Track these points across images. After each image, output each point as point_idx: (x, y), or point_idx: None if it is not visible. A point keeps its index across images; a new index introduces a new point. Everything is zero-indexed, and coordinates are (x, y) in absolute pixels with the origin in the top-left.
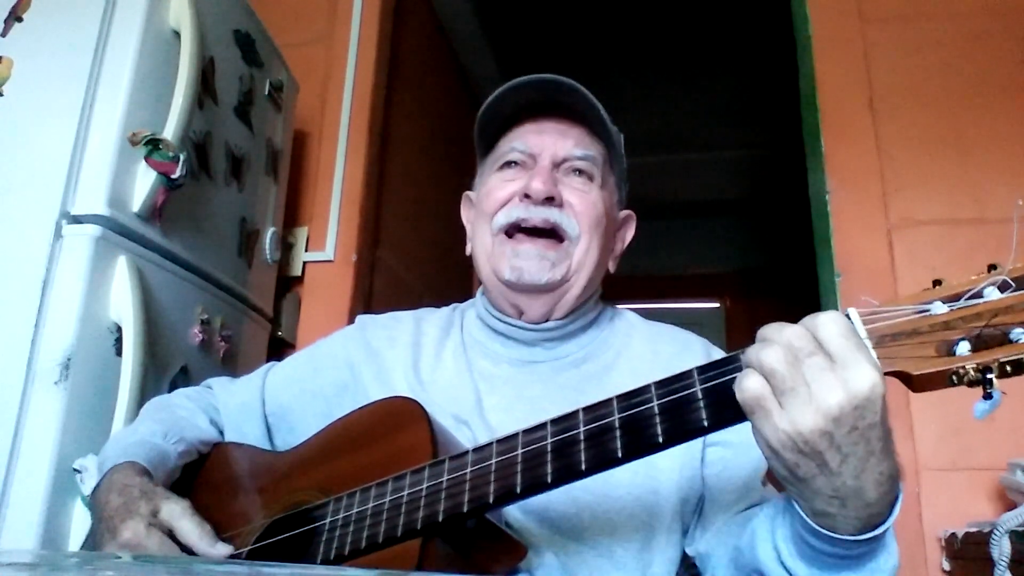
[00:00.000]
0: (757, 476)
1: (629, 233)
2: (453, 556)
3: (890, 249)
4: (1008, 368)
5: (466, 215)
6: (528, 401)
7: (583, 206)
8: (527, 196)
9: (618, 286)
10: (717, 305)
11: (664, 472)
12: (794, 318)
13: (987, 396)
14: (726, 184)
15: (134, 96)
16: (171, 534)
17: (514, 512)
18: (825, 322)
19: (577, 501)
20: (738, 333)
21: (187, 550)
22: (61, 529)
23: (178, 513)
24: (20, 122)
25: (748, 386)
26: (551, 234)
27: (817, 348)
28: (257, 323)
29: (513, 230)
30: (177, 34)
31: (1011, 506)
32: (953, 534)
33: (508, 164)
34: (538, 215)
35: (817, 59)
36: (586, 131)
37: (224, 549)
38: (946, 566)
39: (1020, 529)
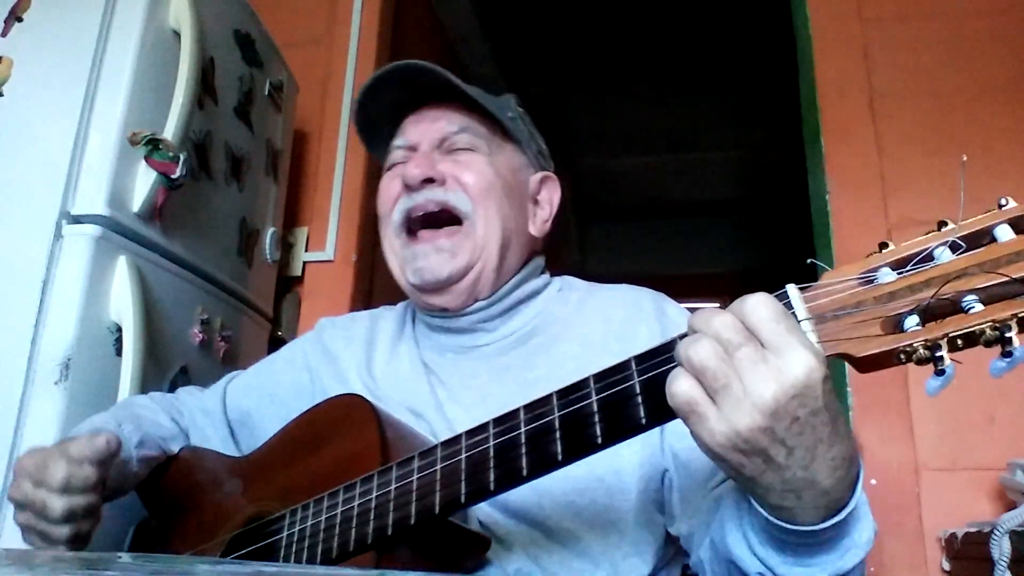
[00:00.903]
0: None
1: (555, 195)
2: (414, 559)
3: None
4: (959, 342)
5: None
6: (475, 388)
7: (469, 176)
8: (408, 187)
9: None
10: (717, 305)
11: (625, 447)
12: None
13: (939, 372)
14: (726, 184)
15: (134, 96)
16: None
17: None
18: (754, 306)
19: (537, 487)
20: None
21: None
22: None
23: (71, 450)
24: (20, 122)
25: (678, 390)
26: (448, 219)
27: (747, 337)
28: (257, 323)
29: (414, 225)
30: (177, 34)
31: (1011, 506)
32: (953, 534)
33: (393, 162)
34: (423, 198)
35: (817, 59)
36: (462, 108)
37: (102, 438)
38: (946, 566)
39: (1020, 529)
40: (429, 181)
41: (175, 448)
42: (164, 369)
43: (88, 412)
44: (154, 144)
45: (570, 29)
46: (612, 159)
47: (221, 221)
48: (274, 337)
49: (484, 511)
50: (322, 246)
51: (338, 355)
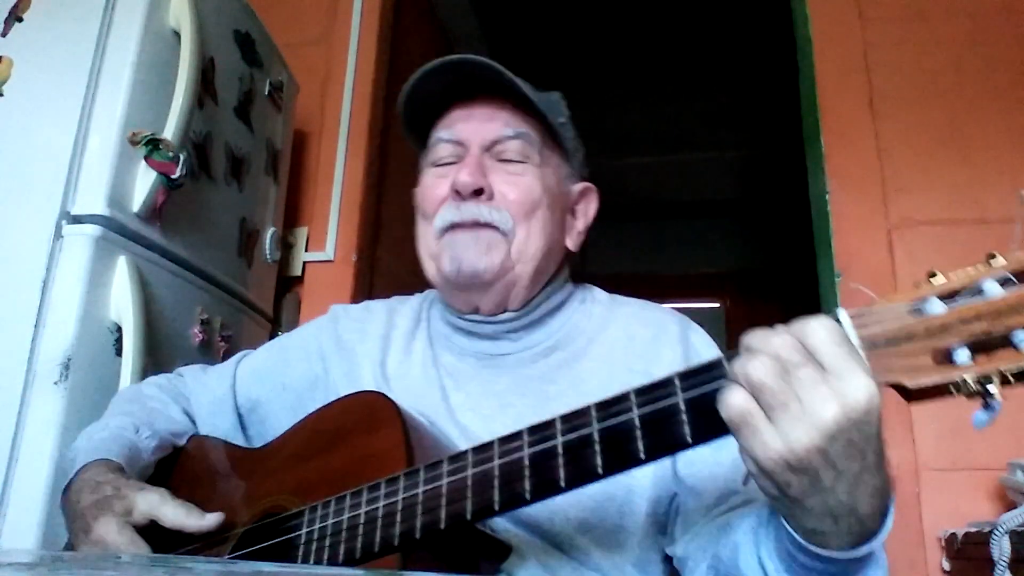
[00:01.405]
0: (737, 473)
1: (592, 207)
2: (433, 561)
3: (890, 249)
4: (1010, 377)
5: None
6: (495, 396)
7: (516, 194)
8: (457, 193)
9: (619, 286)
10: (717, 305)
11: (637, 470)
12: (794, 318)
13: (987, 406)
14: (726, 184)
15: (134, 96)
16: (154, 525)
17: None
18: (815, 329)
19: (549, 503)
20: (738, 333)
21: (173, 545)
22: (61, 529)
23: (157, 501)
24: (20, 122)
25: (733, 402)
26: (487, 231)
27: (807, 358)
28: (257, 323)
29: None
30: (177, 34)
31: (1011, 506)
32: (953, 534)
33: (441, 158)
34: (468, 214)
35: (817, 59)
36: (517, 109)
37: (214, 518)
38: (946, 566)
39: (1020, 529)
40: (478, 192)
41: (183, 442)
42: (164, 369)
43: (88, 412)
44: (154, 144)
45: (570, 29)
46: (612, 159)
47: (221, 221)
48: (274, 337)
49: (497, 520)
50: (322, 246)
51: (352, 348)
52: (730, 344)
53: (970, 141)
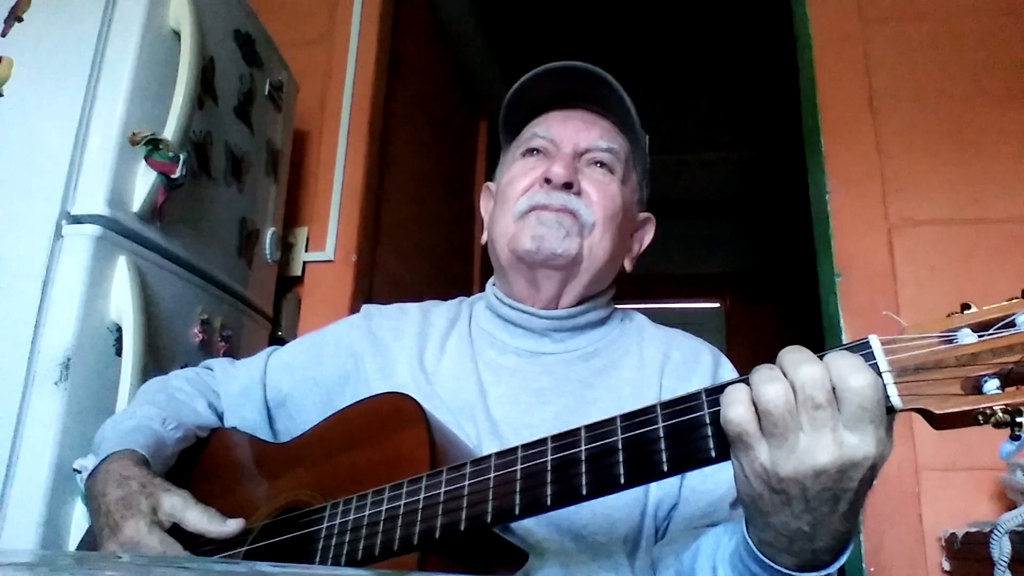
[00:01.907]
0: (729, 496)
1: (648, 236)
2: (451, 564)
3: (890, 249)
4: None
5: (485, 206)
6: (534, 393)
7: (601, 196)
8: (547, 181)
9: (619, 286)
10: (717, 305)
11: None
12: (794, 318)
13: (1015, 437)
14: (726, 184)
15: (134, 96)
16: (175, 527)
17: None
18: (863, 385)
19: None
20: (738, 333)
21: (193, 540)
22: (61, 529)
23: (180, 505)
24: (20, 122)
25: (733, 417)
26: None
27: (829, 401)
28: (257, 323)
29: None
30: (177, 34)
31: (1011, 506)
32: (953, 534)
33: (531, 151)
34: (557, 200)
35: (817, 59)
36: (612, 125)
37: (235, 524)
38: (946, 566)
39: (1020, 529)
40: (568, 186)
41: (205, 434)
42: (164, 369)
43: (88, 412)
44: (154, 144)
45: (570, 30)
46: None
47: (221, 221)
48: (274, 337)
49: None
50: (322, 246)
51: (387, 345)
52: (731, 345)
53: (970, 141)
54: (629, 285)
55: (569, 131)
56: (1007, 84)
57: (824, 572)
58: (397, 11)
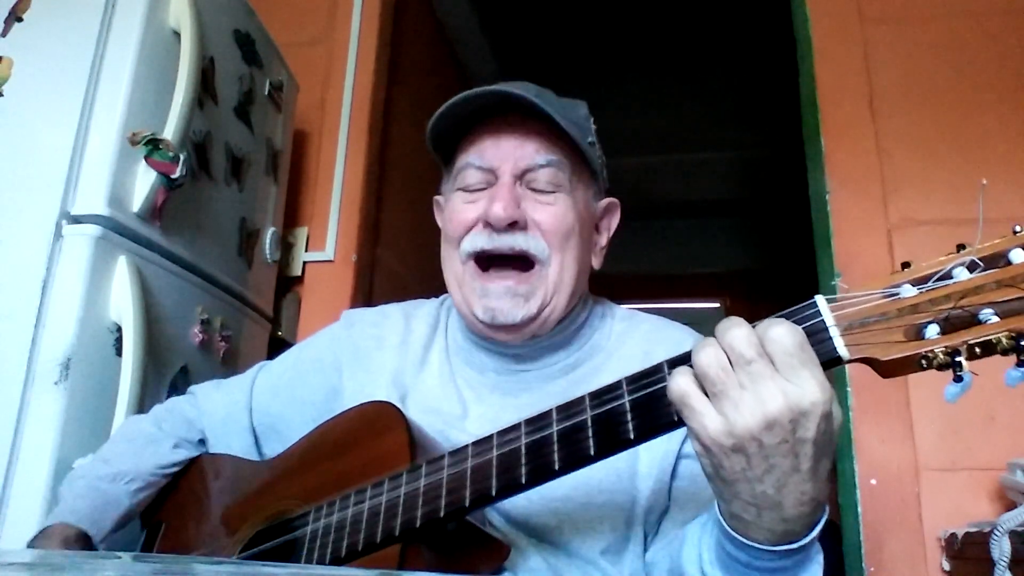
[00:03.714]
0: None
1: (614, 221)
2: (435, 559)
3: (890, 249)
4: (977, 350)
5: (439, 218)
6: (516, 409)
7: (550, 221)
8: (489, 224)
9: (619, 286)
10: (717, 305)
11: (643, 479)
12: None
13: (957, 379)
14: (726, 184)
15: (134, 96)
16: None
17: (498, 521)
18: (779, 334)
19: (558, 512)
20: None
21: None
22: None
23: None
24: (20, 122)
25: (673, 385)
26: (520, 261)
27: (759, 355)
28: (257, 323)
29: (481, 259)
30: (177, 34)
31: (1011, 506)
32: (953, 534)
33: (470, 185)
34: (503, 244)
35: (817, 59)
36: (547, 132)
37: None
38: (946, 566)
39: (1020, 529)
40: (512, 224)
41: (174, 471)
42: (164, 369)
43: (88, 412)
44: (154, 144)
45: (570, 29)
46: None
47: (221, 221)
48: (274, 337)
49: (504, 528)
50: (322, 246)
51: (369, 355)
52: None
53: (970, 141)
54: (629, 285)
55: (503, 152)
56: (1007, 84)
57: (798, 544)
58: (397, 11)
